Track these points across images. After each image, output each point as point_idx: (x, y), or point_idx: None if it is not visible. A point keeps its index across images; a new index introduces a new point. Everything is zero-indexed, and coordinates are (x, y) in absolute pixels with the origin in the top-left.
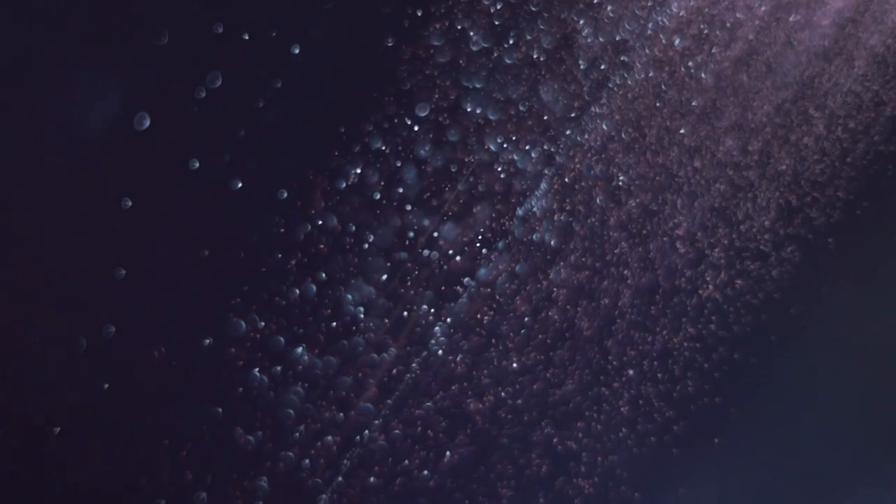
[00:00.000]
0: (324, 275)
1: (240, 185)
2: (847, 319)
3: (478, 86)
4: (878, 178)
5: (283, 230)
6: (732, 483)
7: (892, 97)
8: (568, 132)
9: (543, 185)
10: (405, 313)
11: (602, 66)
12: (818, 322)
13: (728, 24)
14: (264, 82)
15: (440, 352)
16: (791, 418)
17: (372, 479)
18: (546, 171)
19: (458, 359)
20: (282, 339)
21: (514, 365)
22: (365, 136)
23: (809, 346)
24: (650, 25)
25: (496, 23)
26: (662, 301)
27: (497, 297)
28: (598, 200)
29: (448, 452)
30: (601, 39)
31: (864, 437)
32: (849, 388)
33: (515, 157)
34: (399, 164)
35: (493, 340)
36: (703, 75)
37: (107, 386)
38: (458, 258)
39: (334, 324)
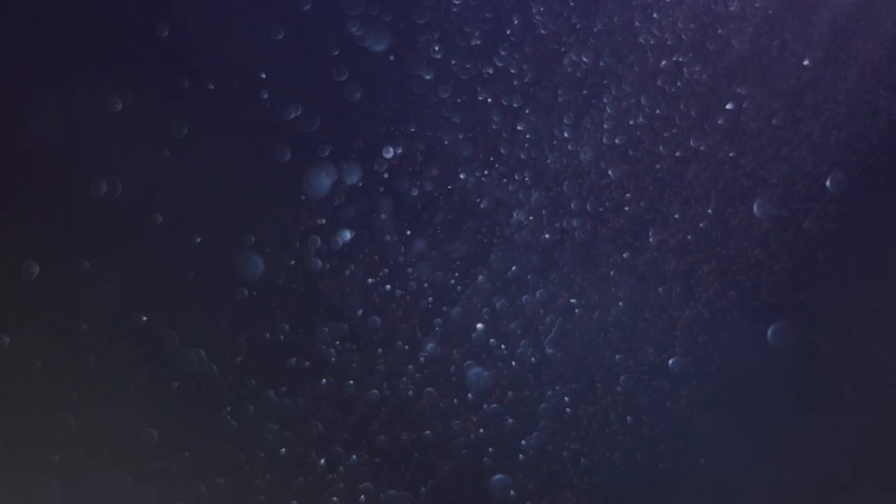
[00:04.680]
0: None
1: (199, 240)
2: (842, 331)
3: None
4: (872, 187)
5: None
6: (725, 497)
7: (887, 106)
8: (559, 143)
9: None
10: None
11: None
12: (812, 334)
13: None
14: (231, 132)
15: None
16: (785, 431)
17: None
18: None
19: (451, 369)
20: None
21: (503, 379)
22: (341, 180)
23: (803, 358)
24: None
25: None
26: (654, 312)
27: (488, 305)
28: (588, 209)
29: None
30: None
31: (860, 450)
32: (844, 401)
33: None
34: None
35: (484, 354)
36: (696, 85)
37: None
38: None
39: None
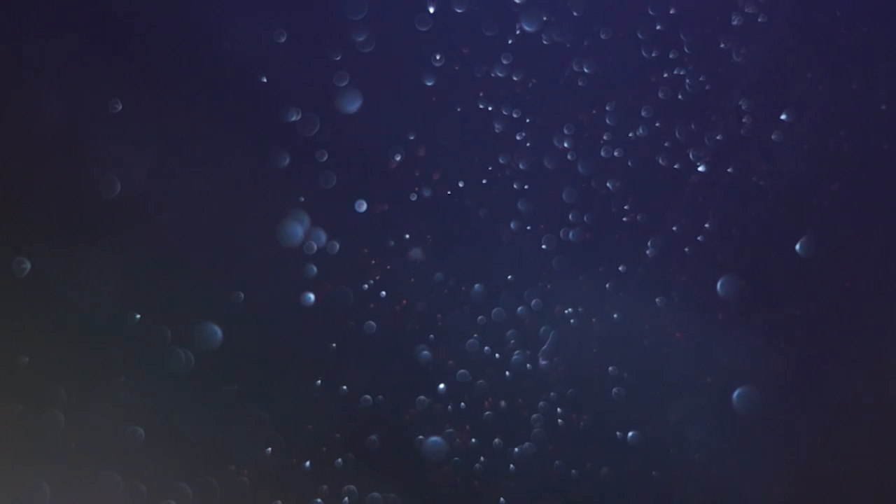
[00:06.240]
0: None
1: (196, 240)
2: (840, 343)
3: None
4: (868, 190)
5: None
6: None
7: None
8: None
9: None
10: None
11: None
12: (807, 346)
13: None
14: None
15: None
16: (782, 443)
17: None
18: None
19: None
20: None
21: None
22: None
23: (798, 374)
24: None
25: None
26: (648, 321)
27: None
28: (584, 218)
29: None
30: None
31: (860, 464)
32: (843, 416)
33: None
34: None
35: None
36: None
37: None
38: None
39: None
